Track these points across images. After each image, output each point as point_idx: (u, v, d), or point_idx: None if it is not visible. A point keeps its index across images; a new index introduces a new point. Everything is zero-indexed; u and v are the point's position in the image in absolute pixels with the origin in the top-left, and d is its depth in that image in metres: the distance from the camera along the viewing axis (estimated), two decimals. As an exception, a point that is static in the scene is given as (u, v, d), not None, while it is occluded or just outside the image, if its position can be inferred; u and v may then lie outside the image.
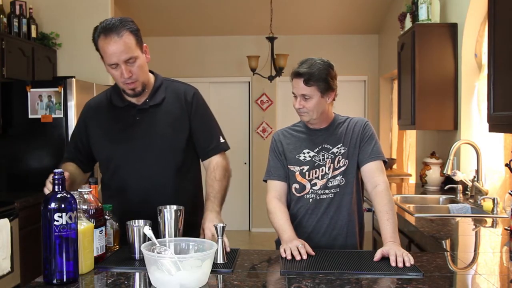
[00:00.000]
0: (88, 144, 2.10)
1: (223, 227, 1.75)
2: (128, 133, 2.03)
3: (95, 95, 4.35)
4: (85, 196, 1.70)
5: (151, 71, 2.09)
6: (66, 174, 1.67)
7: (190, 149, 2.09)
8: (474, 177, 3.24)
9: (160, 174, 2.02)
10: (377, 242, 3.21)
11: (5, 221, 3.29)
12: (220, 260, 1.70)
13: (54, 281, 1.48)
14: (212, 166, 2.09)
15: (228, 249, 1.81)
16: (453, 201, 3.28)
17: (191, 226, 1.96)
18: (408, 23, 4.10)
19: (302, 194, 2.08)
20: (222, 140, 2.14)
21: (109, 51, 1.86)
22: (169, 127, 2.04)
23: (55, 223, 1.46)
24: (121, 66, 1.88)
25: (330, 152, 2.06)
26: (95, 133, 2.08)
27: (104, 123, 2.07)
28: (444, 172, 3.31)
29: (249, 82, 6.96)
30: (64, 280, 1.49)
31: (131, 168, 2.02)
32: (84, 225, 1.59)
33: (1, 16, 4.12)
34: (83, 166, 2.14)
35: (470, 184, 3.28)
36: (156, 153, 2.02)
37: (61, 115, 4.03)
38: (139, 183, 2.02)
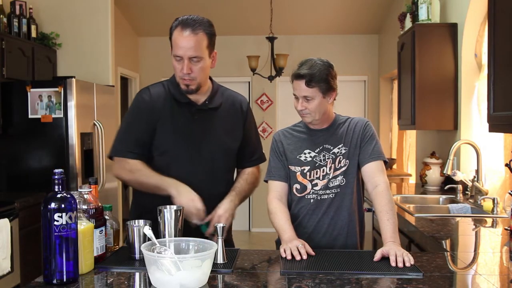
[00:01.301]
0: (152, 133, 2.01)
1: (223, 227, 1.75)
2: (186, 130, 2.03)
3: (95, 95, 4.39)
4: (85, 196, 1.70)
5: (209, 77, 2.12)
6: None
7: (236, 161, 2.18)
8: (474, 177, 3.24)
9: (207, 176, 2.04)
10: (377, 242, 3.21)
11: (5, 221, 3.29)
12: (220, 260, 1.70)
13: (54, 281, 1.48)
14: (247, 171, 2.18)
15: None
16: (453, 201, 3.28)
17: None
18: (408, 23, 4.10)
19: (303, 194, 2.08)
20: (261, 153, 2.23)
21: (180, 43, 1.92)
22: (225, 133, 2.08)
23: (55, 223, 1.46)
24: (184, 61, 1.93)
25: (331, 152, 2.06)
26: (157, 124, 2.02)
27: (164, 116, 2.03)
28: (444, 172, 3.31)
29: (249, 82, 6.96)
30: (64, 280, 1.49)
31: (183, 165, 2.02)
32: (84, 225, 1.59)
33: (1, 16, 4.12)
34: (144, 157, 2.03)
35: (470, 184, 3.28)
36: (207, 154, 2.04)
37: (61, 115, 4.03)
38: (186, 182, 1.95)
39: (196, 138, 2.03)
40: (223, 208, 1.97)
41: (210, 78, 2.14)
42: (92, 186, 1.78)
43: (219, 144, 2.06)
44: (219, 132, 2.07)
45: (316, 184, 2.06)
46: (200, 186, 1.98)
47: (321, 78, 1.97)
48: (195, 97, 2.05)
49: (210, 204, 1.96)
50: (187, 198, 1.89)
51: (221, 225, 1.75)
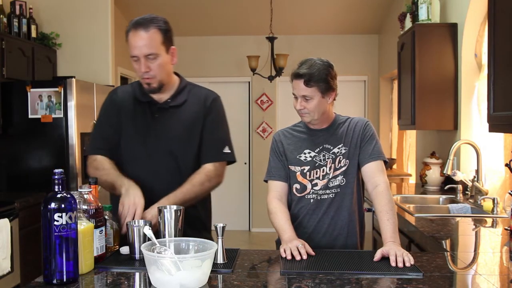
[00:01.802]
0: (118, 130, 2.06)
1: (223, 227, 1.75)
2: (144, 130, 2.04)
3: (95, 95, 4.39)
4: (85, 196, 1.70)
5: (177, 74, 2.12)
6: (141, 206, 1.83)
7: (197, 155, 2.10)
8: (474, 177, 3.23)
9: (169, 173, 2.03)
10: (377, 242, 3.21)
11: (5, 221, 3.29)
12: (220, 260, 1.70)
13: (54, 281, 1.48)
14: (200, 170, 2.04)
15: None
16: (453, 201, 3.28)
17: (195, 230, 1.95)
18: (408, 23, 4.10)
19: (303, 194, 2.08)
20: (226, 150, 2.10)
21: (133, 43, 1.93)
22: (185, 131, 2.05)
23: (55, 223, 1.46)
24: (141, 60, 1.93)
25: (331, 152, 2.06)
26: (119, 122, 2.07)
27: (125, 115, 2.07)
28: (444, 172, 3.31)
29: (249, 82, 6.96)
30: (64, 280, 1.49)
31: (140, 165, 2.03)
32: (84, 225, 1.59)
33: (1, 16, 4.12)
34: (112, 154, 2.08)
35: (470, 184, 3.28)
36: (167, 152, 2.03)
37: (61, 115, 4.03)
38: (148, 182, 2.00)
39: (155, 136, 2.03)
40: (150, 212, 1.89)
41: (179, 76, 2.13)
42: (92, 186, 1.78)
43: (179, 141, 2.04)
44: (180, 129, 2.04)
45: (316, 184, 2.06)
46: (161, 184, 2.00)
47: (320, 78, 1.97)
48: (158, 95, 2.05)
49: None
50: (130, 200, 1.86)
51: (221, 225, 1.75)
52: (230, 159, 2.12)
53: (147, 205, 1.93)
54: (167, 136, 2.03)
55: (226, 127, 2.16)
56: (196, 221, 2.06)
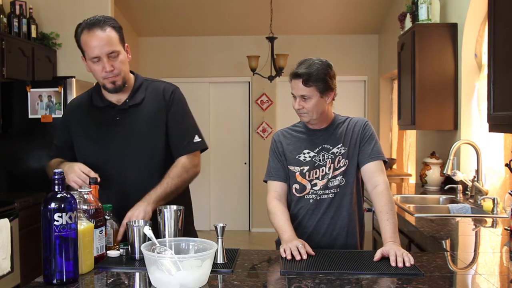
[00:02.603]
0: (71, 145, 2.10)
1: (223, 227, 1.75)
2: (108, 134, 2.03)
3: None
4: (85, 196, 1.70)
5: (131, 72, 2.10)
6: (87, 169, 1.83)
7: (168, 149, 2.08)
8: (474, 177, 3.23)
9: (140, 174, 2.02)
10: (377, 242, 3.21)
11: (5, 221, 3.29)
12: (220, 260, 1.70)
13: (54, 281, 1.48)
14: (175, 164, 2.04)
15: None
16: (453, 201, 3.27)
17: None
18: (408, 23, 4.10)
19: (302, 194, 2.08)
20: (196, 140, 2.09)
21: (93, 44, 1.89)
22: (147, 126, 2.03)
23: (55, 223, 1.46)
24: (103, 60, 1.91)
25: (330, 152, 2.06)
26: (75, 132, 2.09)
27: (84, 123, 2.07)
28: (444, 172, 3.31)
29: (249, 82, 6.95)
30: (64, 280, 1.49)
31: (111, 169, 2.00)
32: (84, 225, 1.59)
33: (1, 16, 4.12)
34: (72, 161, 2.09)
35: (470, 184, 3.28)
36: (135, 153, 2.02)
37: (61, 115, 4.03)
38: (118, 184, 2.00)
39: (118, 140, 2.02)
40: (135, 207, 1.89)
41: (134, 73, 2.12)
42: (92, 186, 1.78)
43: (143, 139, 2.03)
44: (144, 128, 2.03)
45: (315, 184, 2.06)
46: (133, 186, 2.00)
47: (319, 78, 1.97)
48: (116, 97, 2.03)
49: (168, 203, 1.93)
50: (75, 171, 1.88)
51: (221, 225, 1.75)
52: (202, 147, 2.12)
53: (123, 207, 1.92)
54: (132, 136, 2.02)
55: (191, 116, 2.15)
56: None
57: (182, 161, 2.05)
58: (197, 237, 2.03)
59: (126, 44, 2.01)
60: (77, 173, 1.87)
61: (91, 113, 2.07)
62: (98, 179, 1.85)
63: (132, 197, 1.96)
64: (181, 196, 2.06)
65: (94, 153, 2.04)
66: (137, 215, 1.86)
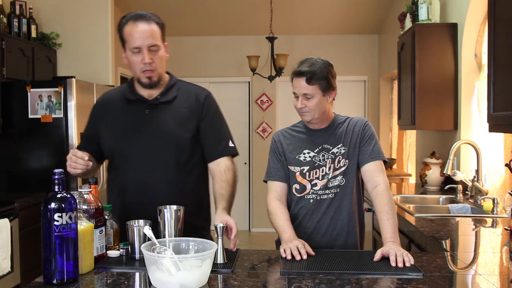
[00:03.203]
0: (98, 137, 2.13)
1: (223, 227, 1.75)
2: (135, 127, 2.05)
3: (95, 95, 4.40)
4: (85, 196, 1.70)
5: (167, 72, 2.13)
6: (86, 154, 1.86)
7: (196, 151, 2.09)
8: (474, 177, 3.23)
9: (161, 170, 2.03)
10: (377, 242, 3.21)
11: (5, 221, 3.29)
12: (220, 260, 1.70)
13: (54, 281, 1.48)
14: (221, 169, 2.06)
15: (232, 245, 1.83)
16: (453, 201, 3.28)
17: (191, 228, 1.95)
18: (408, 23, 4.10)
19: (302, 194, 2.08)
20: (231, 145, 2.13)
21: (136, 34, 1.93)
22: (175, 125, 2.04)
23: (55, 223, 1.46)
24: (143, 51, 1.94)
25: (330, 152, 2.06)
26: (103, 124, 2.11)
27: (113, 116, 2.09)
28: (444, 172, 3.31)
29: (249, 82, 6.96)
30: (64, 280, 1.49)
31: (134, 162, 2.03)
32: (84, 225, 1.59)
33: (1, 16, 4.12)
34: (97, 155, 2.15)
35: (470, 184, 3.28)
36: (159, 149, 2.02)
37: (61, 115, 4.03)
38: (141, 178, 2.02)
39: (146, 132, 2.04)
40: (219, 218, 1.91)
41: (168, 73, 2.14)
42: (92, 186, 1.78)
43: (170, 136, 2.04)
44: (171, 125, 2.04)
45: (315, 184, 2.06)
46: (154, 180, 2.01)
47: (322, 76, 1.97)
48: (148, 92, 2.05)
49: (165, 196, 1.96)
50: (68, 157, 1.94)
51: (221, 225, 1.75)
52: (236, 153, 2.15)
53: (143, 201, 1.96)
54: (158, 132, 2.03)
55: (225, 121, 2.19)
56: (198, 230, 2.07)
57: (229, 165, 2.08)
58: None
59: (166, 43, 2.04)
60: (72, 159, 1.92)
61: (121, 105, 2.09)
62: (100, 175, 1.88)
63: (152, 192, 1.99)
64: (203, 207, 2.12)
65: (119, 145, 2.06)
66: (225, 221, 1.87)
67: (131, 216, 1.82)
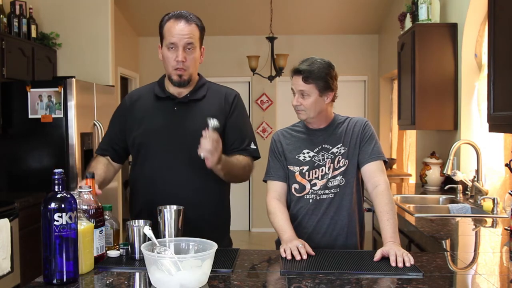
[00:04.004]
0: (124, 133, 2.13)
1: (216, 125, 1.81)
2: (163, 123, 2.06)
3: (95, 95, 4.40)
4: (85, 196, 1.70)
5: (197, 73, 2.15)
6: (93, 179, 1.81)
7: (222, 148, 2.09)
8: (474, 177, 3.24)
9: (186, 166, 2.03)
10: (377, 242, 3.21)
11: (5, 221, 3.29)
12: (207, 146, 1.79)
13: (54, 281, 1.48)
14: (240, 156, 2.08)
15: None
16: (453, 201, 3.28)
17: (211, 225, 1.99)
18: (408, 23, 4.10)
19: (302, 194, 2.08)
20: (253, 146, 2.14)
21: (175, 31, 1.98)
22: (202, 122, 2.01)
23: (55, 223, 1.46)
24: (179, 49, 1.97)
25: (330, 152, 2.06)
26: (131, 119, 2.11)
27: (142, 111, 2.11)
28: (444, 172, 3.31)
29: (249, 82, 6.96)
30: (64, 280, 1.49)
31: (161, 158, 2.04)
32: (84, 225, 1.59)
33: (1, 16, 4.12)
34: (117, 157, 2.17)
35: (470, 184, 3.28)
36: (186, 146, 2.03)
37: (61, 115, 4.03)
38: (166, 174, 2.03)
39: (174, 129, 2.05)
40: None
41: (199, 74, 2.16)
42: (89, 180, 1.76)
43: (196, 135, 2.00)
44: (199, 123, 2.02)
45: (315, 184, 2.06)
46: (179, 175, 2.02)
47: (319, 76, 1.97)
48: (178, 90, 2.07)
49: (189, 194, 1.98)
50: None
51: (214, 121, 1.81)
52: (258, 155, 2.16)
53: (166, 197, 1.96)
54: (186, 129, 2.04)
55: (250, 124, 2.23)
56: (218, 229, 2.09)
57: (247, 159, 2.09)
58: (231, 246, 2.11)
59: (202, 47, 2.07)
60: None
61: (150, 102, 2.11)
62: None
63: (176, 187, 2.00)
64: (224, 204, 2.14)
65: (146, 140, 2.07)
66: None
67: (153, 213, 1.83)
